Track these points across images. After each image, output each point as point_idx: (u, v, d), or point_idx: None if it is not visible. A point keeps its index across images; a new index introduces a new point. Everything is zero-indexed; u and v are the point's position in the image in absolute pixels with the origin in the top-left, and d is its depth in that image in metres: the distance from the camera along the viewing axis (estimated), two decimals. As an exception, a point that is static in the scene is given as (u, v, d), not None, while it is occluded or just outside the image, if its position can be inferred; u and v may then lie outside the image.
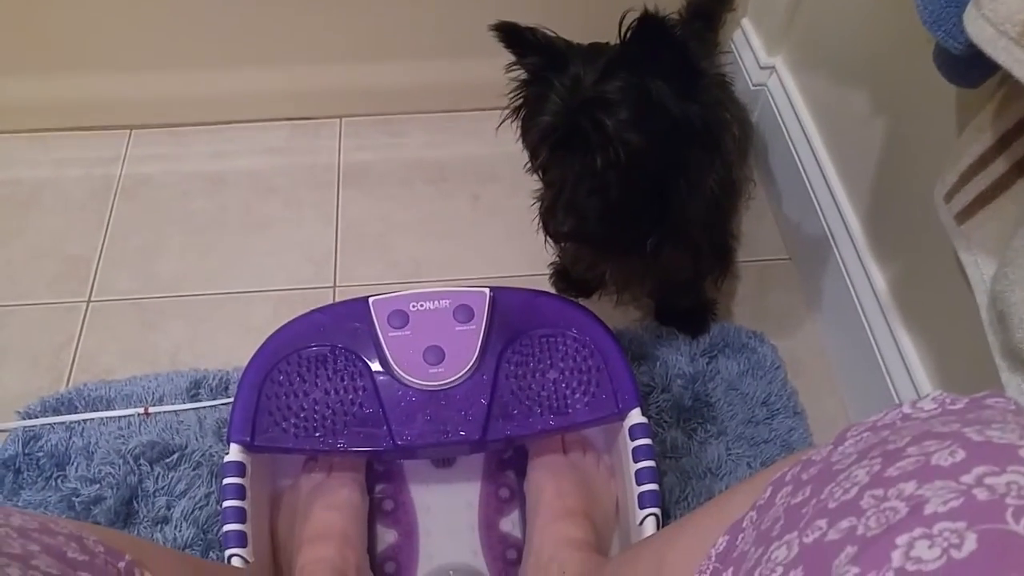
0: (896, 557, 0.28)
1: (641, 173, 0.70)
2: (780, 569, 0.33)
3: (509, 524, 0.88)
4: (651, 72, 0.67)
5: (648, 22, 0.64)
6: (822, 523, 0.33)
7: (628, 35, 0.67)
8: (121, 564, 0.43)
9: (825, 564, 0.31)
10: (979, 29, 0.49)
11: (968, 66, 0.55)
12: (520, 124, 0.76)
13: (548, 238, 0.77)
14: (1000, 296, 0.56)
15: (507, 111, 0.76)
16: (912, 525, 0.29)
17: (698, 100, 0.69)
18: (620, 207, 0.71)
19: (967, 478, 0.30)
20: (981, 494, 0.29)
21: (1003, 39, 0.47)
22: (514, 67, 0.74)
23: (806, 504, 0.36)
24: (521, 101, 0.75)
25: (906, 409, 0.39)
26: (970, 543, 0.27)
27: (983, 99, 0.60)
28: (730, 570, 0.40)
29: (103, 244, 1.15)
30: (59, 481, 0.91)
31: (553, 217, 0.72)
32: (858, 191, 0.95)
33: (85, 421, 0.95)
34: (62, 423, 0.95)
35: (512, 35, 0.70)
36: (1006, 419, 0.34)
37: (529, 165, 0.77)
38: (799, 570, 0.32)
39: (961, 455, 0.31)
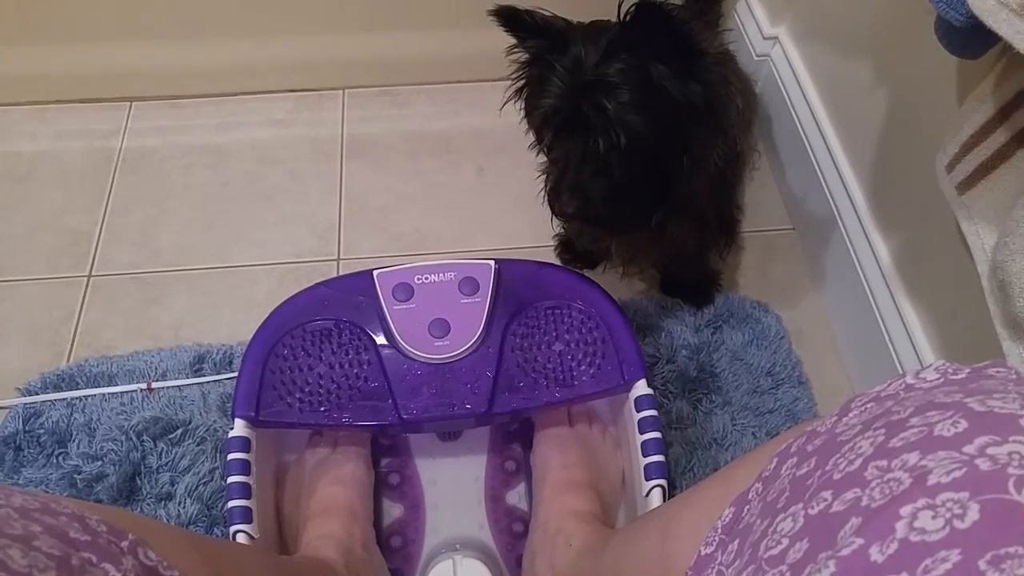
0: (900, 528, 0.28)
1: (644, 153, 0.70)
2: (786, 540, 0.34)
3: (515, 497, 0.89)
4: (651, 54, 0.67)
5: (645, 10, 0.64)
6: (827, 494, 0.33)
7: (627, 20, 0.66)
8: (124, 543, 0.43)
9: (830, 535, 0.31)
10: (980, 1, 0.48)
11: (969, 37, 0.55)
12: (523, 104, 0.75)
13: (555, 217, 0.77)
14: (1001, 266, 0.56)
15: (510, 92, 0.76)
16: (916, 496, 0.29)
17: (699, 79, 0.69)
18: (624, 187, 0.71)
19: (969, 448, 0.30)
20: (983, 464, 0.29)
21: (1004, 11, 0.47)
22: (515, 50, 0.74)
23: (811, 475, 0.36)
24: (524, 82, 0.75)
25: (909, 379, 0.40)
26: (973, 513, 0.27)
27: (984, 70, 0.60)
28: (736, 542, 0.40)
29: (104, 218, 1.15)
30: (60, 458, 0.91)
31: (558, 198, 0.73)
32: (861, 161, 0.95)
33: (87, 397, 0.95)
34: (63, 399, 0.95)
35: (511, 19, 0.70)
36: (1007, 389, 0.34)
37: (535, 144, 0.77)
38: (804, 541, 0.32)
39: (963, 425, 0.31)
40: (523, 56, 0.74)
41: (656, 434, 0.78)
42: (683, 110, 0.69)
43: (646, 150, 0.70)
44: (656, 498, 0.75)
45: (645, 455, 0.77)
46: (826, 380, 0.99)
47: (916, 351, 0.85)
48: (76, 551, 0.39)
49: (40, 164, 1.20)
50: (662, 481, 0.75)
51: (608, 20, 0.72)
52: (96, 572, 0.39)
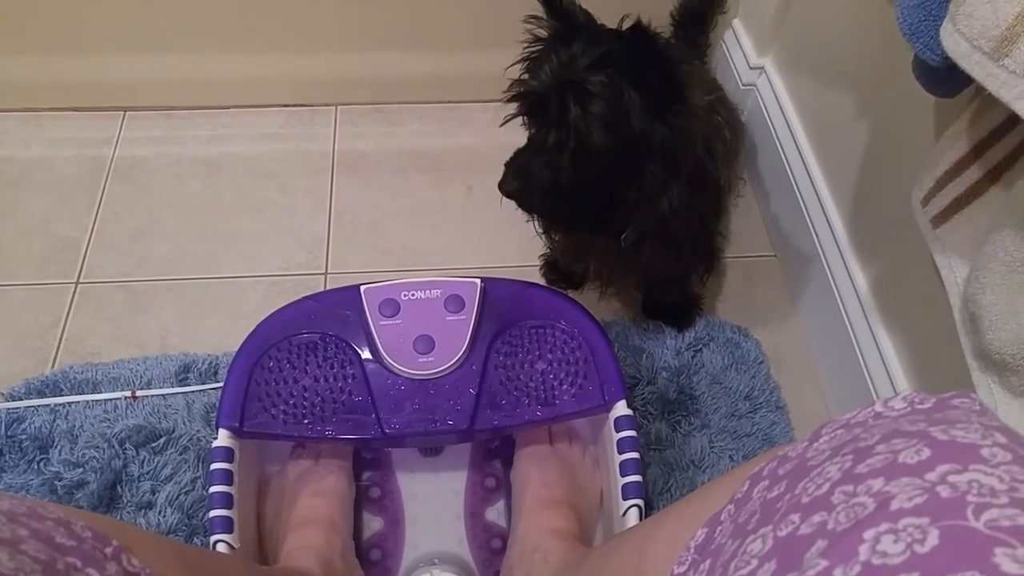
0: (863, 551, 0.29)
1: (594, 167, 0.71)
2: (755, 561, 0.34)
3: (494, 513, 0.90)
4: (634, 80, 0.68)
5: (637, 31, 0.65)
6: (795, 517, 0.34)
7: (629, 40, 0.67)
8: (108, 549, 0.44)
9: (797, 557, 0.32)
10: (954, 43, 0.50)
11: (945, 77, 0.57)
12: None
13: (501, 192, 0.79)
14: (972, 299, 0.58)
15: (520, 58, 0.77)
16: (879, 520, 0.30)
17: (668, 122, 0.70)
18: (567, 190, 0.73)
19: (931, 476, 0.31)
20: (944, 491, 0.30)
21: (977, 54, 0.48)
22: (532, 20, 0.75)
23: (781, 499, 0.37)
24: (532, 56, 0.76)
25: (878, 407, 0.41)
26: (932, 538, 0.28)
27: (960, 107, 0.62)
28: (707, 562, 0.41)
29: (94, 225, 1.15)
30: (42, 464, 0.90)
31: (503, 175, 0.75)
32: (842, 191, 0.97)
33: (70, 404, 0.95)
34: (46, 406, 0.95)
35: None
36: (970, 419, 0.35)
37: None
38: (772, 562, 0.33)
39: (926, 453, 0.33)
40: (540, 26, 0.75)
41: (634, 454, 0.79)
42: (642, 144, 0.71)
43: (597, 164, 0.71)
44: (633, 517, 0.76)
45: (623, 475, 0.78)
46: (803, 405, 1.00)
47: (891, 378, 0.87)
48: (62, 556, 0.39)
49: (32, 170, 1.20)
50: (639, 501, 0.76)
51: (620, 29, 0.74)
52: None
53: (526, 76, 0.73)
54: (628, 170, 0.73)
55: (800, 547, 0.32)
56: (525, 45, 0.76)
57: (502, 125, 0.76)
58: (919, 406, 0.39)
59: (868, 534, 0.30)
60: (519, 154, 0.75)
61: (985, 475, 0.30)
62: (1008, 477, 0.30)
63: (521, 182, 0.74)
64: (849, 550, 0.30)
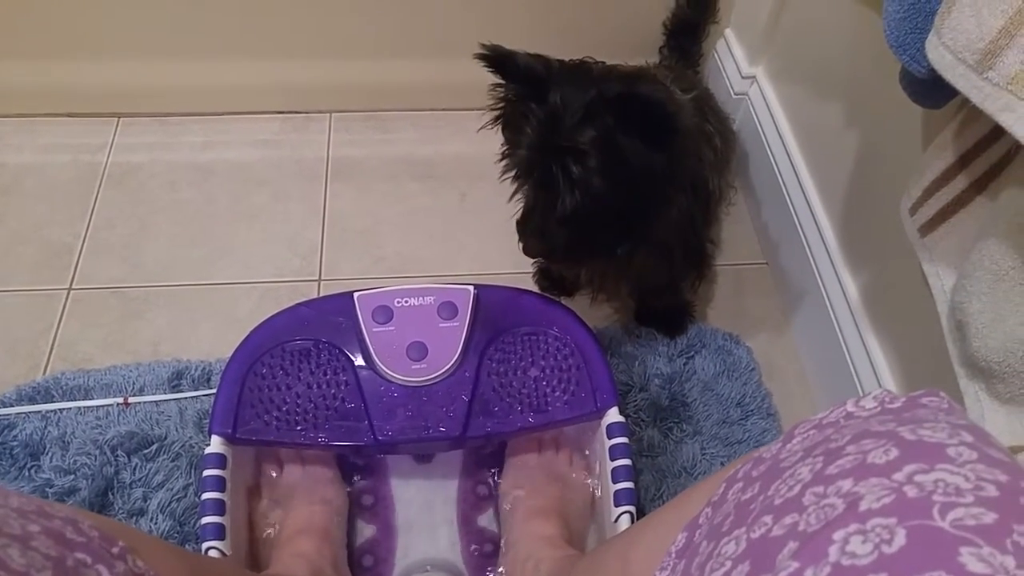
0: (833, 552, 0.30)
1: (605, 212, 0.73)
2: (729, 563, 0.35)
3: (486, 519, 0.90)
4: (624, 126, 0.69)
5: (628, 99, 0.67)
6: (768, 519, 0.35)
7: (613, 101, 0.68)
8: (115, 549, 0.44)
9: (769, 558, 0.32)
10: (939, 56, 0.51)
11: (931, 88, 0.58)
12: (502, 132, 0.77)
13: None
14: (959, 307, 0.58)
15: (487, 120, 0.78)
16: (848, 521, 0.30)
17: (666, 151, 0.71)
18: (584, 235, 0.75)
19: (899, 476, 0.32)
20: (911, 491, 0.30)
21: (961, 66, 0.49)
22: (498, 87, 0.75)
23: (754, 500, 0.37)
24: (502, 113, 0.77)
25: (850, 407, 0.41)
26: (900, 538, 0.28)
27: (947, 118, 0.62)
28: (683, 563, 0.41)
29: (87, 232, 1.15)
30: (33, 471, 0.90)
31: (523, 238, 0.77)
32: (832, 200, 0.98)
33: (61, 410, 0.95)
34: (38, 412, 0.94)
35: (496, 61, 0.72)
36: (937, 418, 0.36)
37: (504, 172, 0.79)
38: (746, 564, 0.34)
39: (894, 453, 0.33)
40: (504, 92, 0.76)
41: (626, 461, 0.79)
42: (645, 176, 0.72)
43: (608, 210, 0.73)
44: (625, 524, 0.76)
45: (615, 482, 0.78)
46: (794, 412, 1.01)
47: (880, 385, 0.87)
48: (71, 552, 0.40)
49: (25, 176, 1.20)
50: (631, 508, 0.77)
51: (590, 60, 0.74)
52: (90, 573, 0.40)
53: (510, 147, 0.75)
54: (638, 199, 0.74)
55: (772, 548, 0.33)
56: (490, 107, 0.77)
57: (479, 129, 0.76)
58: (889, 405, 0.40)
59: (838, 535, 0.30)
60: (530, 215, 0.76)
61: (951, 474, 0.31)
62: (973, 476, 0.31)
63: (545, 244, 0.76)
64: (819, 551, 0.30)
